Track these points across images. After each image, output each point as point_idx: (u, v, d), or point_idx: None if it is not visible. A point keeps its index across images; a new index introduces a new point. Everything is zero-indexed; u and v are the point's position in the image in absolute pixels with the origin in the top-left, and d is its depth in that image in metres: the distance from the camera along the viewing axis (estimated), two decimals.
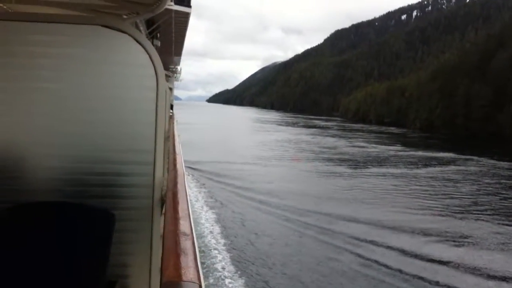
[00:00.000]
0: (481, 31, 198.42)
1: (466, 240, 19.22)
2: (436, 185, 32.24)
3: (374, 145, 62.99)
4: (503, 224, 21.90)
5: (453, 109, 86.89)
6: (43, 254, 2.46)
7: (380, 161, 45.54)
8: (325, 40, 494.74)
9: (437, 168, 40.70)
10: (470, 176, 36.71)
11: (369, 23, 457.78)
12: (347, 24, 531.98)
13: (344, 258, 16.13)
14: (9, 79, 2.80)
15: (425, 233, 19.82)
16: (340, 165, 41.45)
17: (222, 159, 40.85)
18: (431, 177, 35.53)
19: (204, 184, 29.37)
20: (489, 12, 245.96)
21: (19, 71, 2.81)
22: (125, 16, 4.72)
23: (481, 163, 45.44)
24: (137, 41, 2.88)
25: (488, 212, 24.36)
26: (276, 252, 16.66)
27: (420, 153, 53.95)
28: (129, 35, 2.87)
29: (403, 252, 17.09)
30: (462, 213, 24.31)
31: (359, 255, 16.40)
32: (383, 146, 61.63)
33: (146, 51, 2.89)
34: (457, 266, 15.94)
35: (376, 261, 15.82)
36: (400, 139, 78.16)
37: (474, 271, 15.62)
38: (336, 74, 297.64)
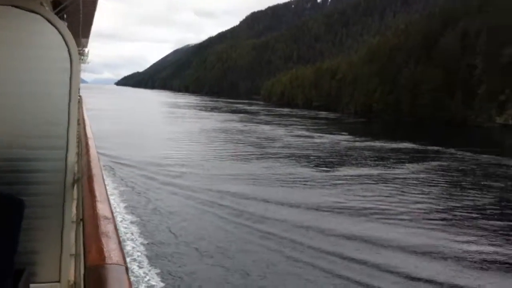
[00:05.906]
0: (399, 14, 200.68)
1: None
2: (441, 194, 24.31)
3: (319, 134, 55.14)
4: None
5: (396, 93, 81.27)
6: None
7: (342, 157, 37.43)
8: (241, 23, 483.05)
9: (417, 166, 33.21)
10: (466, 177, 29.52)
11: (285, 6, 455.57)
12: (262, 7, 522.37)
13: None
14: None
15: None
16: (300, 164, 32.37)
17: (144, 159, 29.83)
18: (419, 180, 27.68)
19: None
20: None
21: None
22: None
23: (456, 156, 39.08)
24: (50, 22, 2.72)
25: None
26: None
27: (378, 144, 46.72)
28: (42, 16, 2.71)
29: None
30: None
31: None
32: (330, 135, 53.89)
33: (60, 32, 2.73)
34: None
35: None
36: (342, 126, 71.34)
37: None
38: (254, 57, 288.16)
